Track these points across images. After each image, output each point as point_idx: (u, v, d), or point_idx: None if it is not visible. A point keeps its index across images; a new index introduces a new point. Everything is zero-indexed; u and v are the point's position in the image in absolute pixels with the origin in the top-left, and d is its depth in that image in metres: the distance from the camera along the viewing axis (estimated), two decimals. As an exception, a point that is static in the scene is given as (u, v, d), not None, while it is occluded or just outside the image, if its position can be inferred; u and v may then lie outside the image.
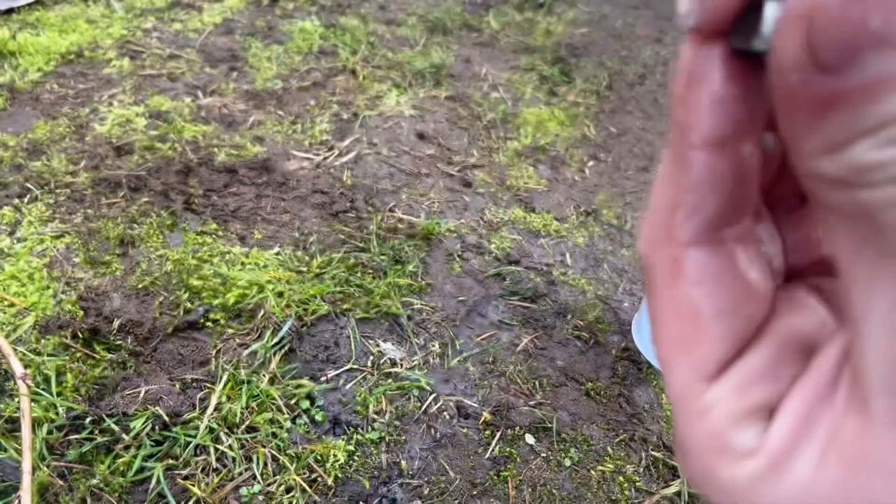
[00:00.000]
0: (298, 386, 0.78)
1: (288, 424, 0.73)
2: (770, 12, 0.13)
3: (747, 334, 0.15)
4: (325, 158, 1.15)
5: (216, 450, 0.70)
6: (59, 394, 0.73)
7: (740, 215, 0.15)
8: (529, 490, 0.71)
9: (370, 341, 0.84)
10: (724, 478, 0.14)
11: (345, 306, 0.88)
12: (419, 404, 0.78)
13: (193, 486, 0.67)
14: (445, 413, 0.78)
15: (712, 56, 0.14)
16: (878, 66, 0.11)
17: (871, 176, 0.11)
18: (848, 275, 0.12)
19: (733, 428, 0.14)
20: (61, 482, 0.66)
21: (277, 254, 0.95)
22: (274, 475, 0.69)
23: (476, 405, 0.79)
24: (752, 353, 0.15)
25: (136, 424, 0.70)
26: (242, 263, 0.92)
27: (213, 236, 0.96)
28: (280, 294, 0.88)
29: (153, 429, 0.71)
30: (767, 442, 0.13)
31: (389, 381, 0.80)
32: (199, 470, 0.69)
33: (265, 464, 0.70)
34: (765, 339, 0.15)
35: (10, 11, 1.43)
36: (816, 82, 0.11)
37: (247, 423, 0.73)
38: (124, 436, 0.69)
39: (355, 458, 0.72)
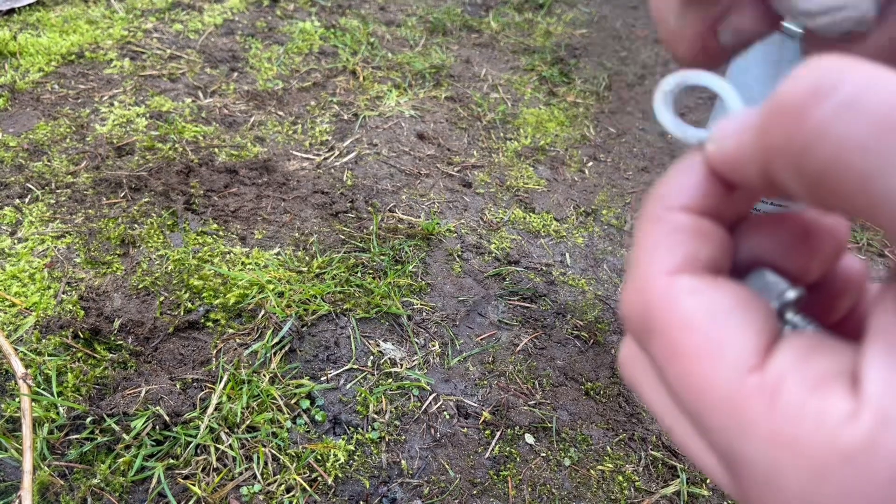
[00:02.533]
0: (299, 385, 0.78)
1: (288, 424, 0.73)
2: None
3: (775, 325, 0.15)
4: (326, 159, 1.16)
5: (217, 449, 0.71)
6: (59, 393, 0.73)
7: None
8: (529, 489, 0.72)
9: (370, 341, 0.85)
10: (826, 450, 0.12)
11: (345, 306, 0.88)
12: (419, 404, 0.78)
13: (194, 485, 0.67)
14: (445, 413, 0.78)
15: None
16: None
17: None
18: None
19: (815, 398, 0.13)
20: (62, 482, 0.66)
21: (278, 254, 0.95)
22: (274, 475, 0.69)
23: (476, 405, 0.79)
24: (789, 335, 0.15)
25: (137, 424, 0.70)
26: (243, 263, 0.92)
27: (214, 236, 0.96)
28: (280, 294, 0.88)
29: (154, 428, 0.71)
30: (867, 398, 0.12)
31: (389, 380, 0.80)
32: (200, 469, 0.69)
33: (265, 463, 0.70)
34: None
35: (10, 12, 1.43)
36: None
37: (247, 422, 0.73)
38: (125, 435, 0.70)
39: (355, 457, 0.72)
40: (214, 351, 0.81)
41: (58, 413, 0.71)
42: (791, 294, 0.16)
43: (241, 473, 0.69)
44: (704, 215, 0.17)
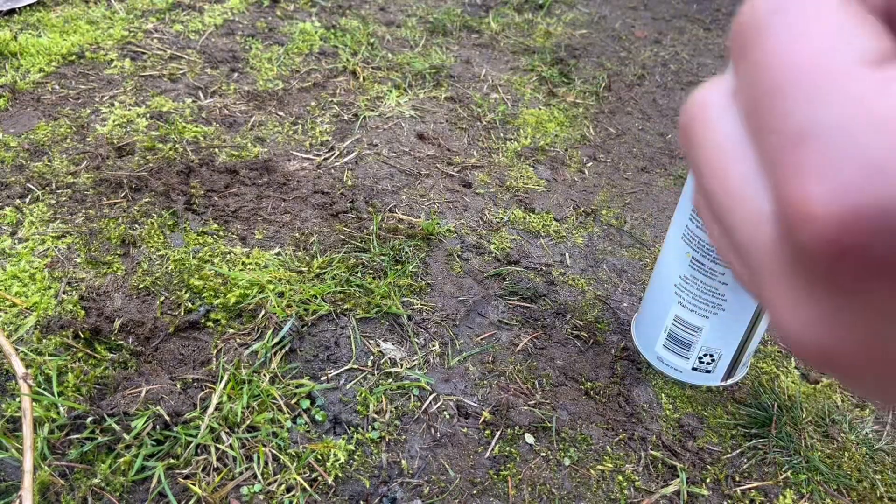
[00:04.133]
0: (299, 385, 0.78)
1: (288, 424, 0.74)
2: None
3: None
4: (326, 159, 1.16)
5: (217, 449, 0.71)
6: (60, 393, 0.73)
7: None
8: (529, 489, 0.72)
9: (370, 341, 0.85)
10: None
11: (345, 306, 0.88)
12: (419, 404, 0.78)
13: (194, 485, 0.67)
14: (445, 412, 0.78)
15: None
16: None
17: None
18: None
19: None
20: (62, 481, 0.67)
21: (278, 254, 0.95)
22: (274, 474, 0.70)
23: (476, 404, 0.79)
24: None
25: (138, 424, 0.70)
26: (243, 263, 0.93)
27: (214, 236, 0.97)
28: (281, 294, 0.88)
29: (154, 428, 0.71)
30: None
31: (390, 380, 0.80)
32: (200, 469, 0.69)
33: (266, 463, 0.70)
34: None
35: (11, 12, 1.43)
36: None
37: (247, 422, 0.73)
38: (125, 435, 0.70)
39: (355, 457, 0.72)
40: (215, 351, 0.81)
41: (58, 413, 0.72)
42: None
43: (241, 473, 0.69)
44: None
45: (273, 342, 0.81)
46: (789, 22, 0.15)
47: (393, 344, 0.85)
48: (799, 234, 0.13)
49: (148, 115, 1.19)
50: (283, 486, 0.69)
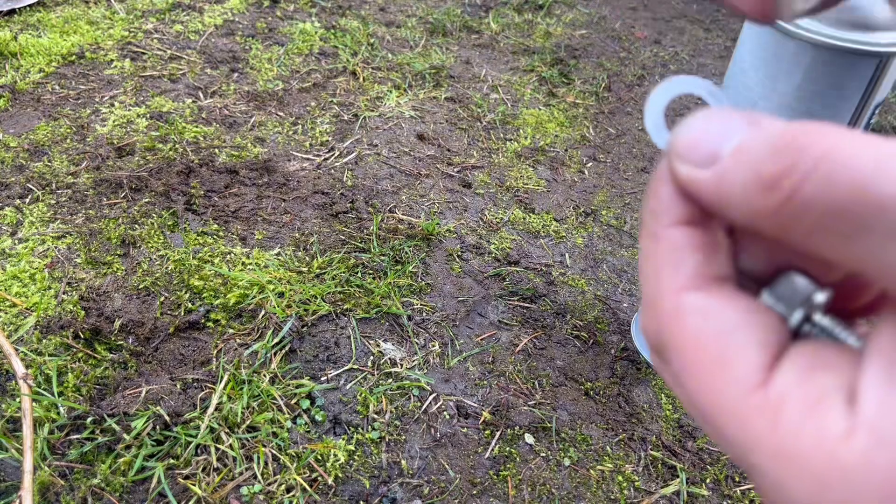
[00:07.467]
0: (299, 385, 0.78)
1: (288, 424, 0.74)
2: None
3: (781, 337, 0.16)
4: (326, 159, 1.16)
5: (217, 449, 0.71)
6: (60, 394, 0.73)
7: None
8: (529, 489, 0.72)
9: (370, 341, 0.85)
10: (826, 466, 0.13)
11: (345, 306, 0.88)
12: (419, 404, 0.78)
13: (194, 485, 0.67)
14: (445, 413, 0.78)
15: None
16: None
17: None
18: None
19: (815, 416, 0.14)
20: (62, 482, 0.67)
21: (278, 254, 0.95)
22: (274, 474, 0.70)
23: (476, 405, 0.79)
24: (793, 349, 0.16)
25: (138, 424, 0.70)
26: (243, 264, 0.93)
27: (215, 237, 0.97)
28: (281, 294, 0.88)
29: (154, 428, 0.71)
30: (863, 417, 0.13)
31: (390, 380, 0.80)
32: (200, 469, 0.69)
33: (266, 463, 0.70)
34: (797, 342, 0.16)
35: (11, 13, 1.43)
36: None
37: (247, 422, 0.73)
38: (125, 435, 0.70)
39: (355, 457, 0.72)
40: (215, 351, 0.81)
41: (58, 413, 0.72)
42: (819, 297, 0.16)
43: (241, 473, 0.69)
44: (700, 224, 0.17)
45: (273, 342, 0.81)
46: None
47: (393, 344, 0.85)
48: None
49: (148, 116, 1.19)
50: (283, 487, 0.69)
